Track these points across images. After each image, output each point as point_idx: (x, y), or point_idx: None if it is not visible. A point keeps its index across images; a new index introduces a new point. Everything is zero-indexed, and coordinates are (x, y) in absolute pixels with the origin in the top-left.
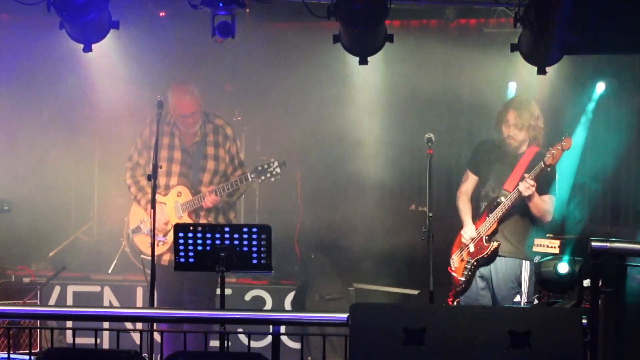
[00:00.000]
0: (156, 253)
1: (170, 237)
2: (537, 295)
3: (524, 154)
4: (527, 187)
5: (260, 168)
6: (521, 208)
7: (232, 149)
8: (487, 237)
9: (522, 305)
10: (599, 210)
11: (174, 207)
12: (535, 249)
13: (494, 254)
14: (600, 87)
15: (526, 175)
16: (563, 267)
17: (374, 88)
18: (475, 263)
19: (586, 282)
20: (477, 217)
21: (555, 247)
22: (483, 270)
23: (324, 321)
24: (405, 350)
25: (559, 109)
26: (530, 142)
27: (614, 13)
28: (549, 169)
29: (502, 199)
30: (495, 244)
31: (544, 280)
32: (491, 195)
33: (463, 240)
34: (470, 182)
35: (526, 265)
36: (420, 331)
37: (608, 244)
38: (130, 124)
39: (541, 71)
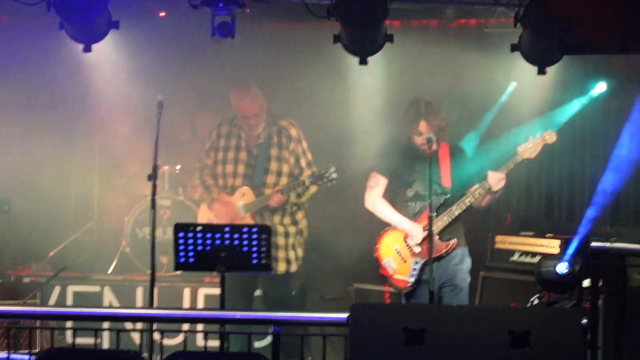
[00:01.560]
0: None
1: None
2: (537, 295)
3: (437, 151)
4: (500, 179)
5: (317, 173)
6: (456, 199)
7: (297, 150)
8: (438, 236)
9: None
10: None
11: (237, 207)
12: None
13: (453, 252)
14: (600, 87)
15: (490, 172)
16: (563, 267)
17: (374, 88)
18: (425, 262)
19: (586, 282)
20: (411, 218)
21: (555, 247)
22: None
23: (324, 321)
24: (405, 350)
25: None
26: (440, 139)
27: (614, 13)
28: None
29: (447, 197)
30: (454, 241)
31: (544, 280)
32: (423, 194)
33: (413, 241)
34: (382, 185)
35: (466, 251)
36: (420, 331)
37: (608, 244)
38: (130, 123)
39: (541, 71)
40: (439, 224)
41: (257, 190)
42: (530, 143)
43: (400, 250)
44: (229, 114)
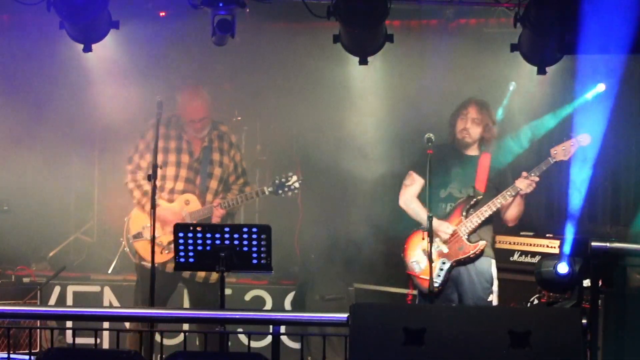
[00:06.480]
0: (161, 260)
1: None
2: (537, 295)
3: (479, 158)
4: (529, 183)
5: (278, 182)
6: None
7: (236, 157)
8: (467, 237)
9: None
10: (599, 210)
11: (182, 215)
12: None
13: (481, 254)
14: (600, 87)
15: (524, 173)
16: (563, 267)
17: (374, 88)
18: (454, 264)
19: (586, 282)
20: (442, 218)
21: (555, 247)
22: (453, 271)
23: (324, 321)
24: (405, 350)
25: (558, 109)
26: (482, 146)
27: (613, 13)
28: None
29: (479, 198)
30: (482, 243)
31: (544, 280)
32: (457, 196)
33: (442, 238)
34: (417, 185)
35: (494, 263)
36: (420, 331)
37: (608, 244)
38: (130, 123)
39: (541, 71)
40: (469, 225)
41: (202, 197)
42: (564, 145)
43: (425, 251)
44: (167, 113)
